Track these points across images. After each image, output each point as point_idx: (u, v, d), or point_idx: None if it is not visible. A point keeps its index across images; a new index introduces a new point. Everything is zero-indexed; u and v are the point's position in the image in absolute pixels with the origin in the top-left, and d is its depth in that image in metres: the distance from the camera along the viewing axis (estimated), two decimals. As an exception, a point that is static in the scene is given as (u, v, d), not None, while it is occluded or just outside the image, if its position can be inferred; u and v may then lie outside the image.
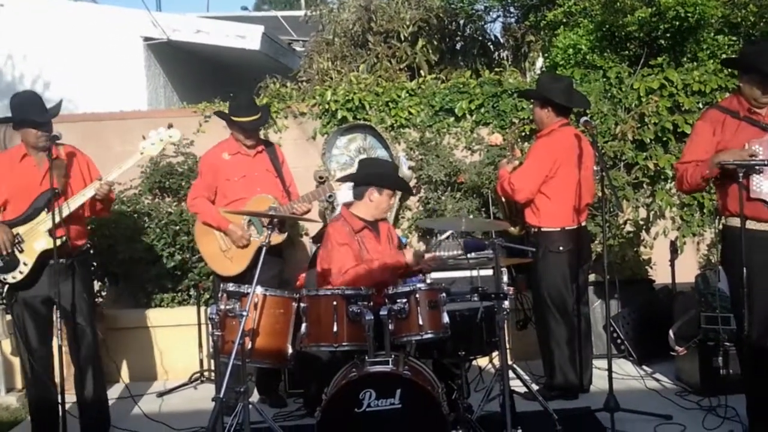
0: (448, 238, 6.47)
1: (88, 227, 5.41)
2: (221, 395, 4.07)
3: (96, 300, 6.42)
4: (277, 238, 5.32)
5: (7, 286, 4.87)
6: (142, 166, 7.02)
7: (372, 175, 4.99)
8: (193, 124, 7.02)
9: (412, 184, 7.18)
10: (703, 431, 4.66)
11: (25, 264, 4.80)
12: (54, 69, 9.33)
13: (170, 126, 5.25)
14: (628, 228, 7.15)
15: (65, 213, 4.76)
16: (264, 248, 4.34)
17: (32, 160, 4.88)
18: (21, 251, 4.80)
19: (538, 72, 9.23)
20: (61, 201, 4.78)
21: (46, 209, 4.77)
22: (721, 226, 6.58)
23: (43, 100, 4.94)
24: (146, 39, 9.71)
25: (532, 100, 5.93)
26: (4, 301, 5.14)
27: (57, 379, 4.80)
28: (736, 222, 4.36)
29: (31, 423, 5.08)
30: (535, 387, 5.35)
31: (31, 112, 4.84)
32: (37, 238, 4.78)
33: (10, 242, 4.77)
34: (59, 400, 4.67)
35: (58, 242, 4.68)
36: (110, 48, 9.50)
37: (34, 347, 4.90)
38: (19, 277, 4.81)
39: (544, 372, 5.59)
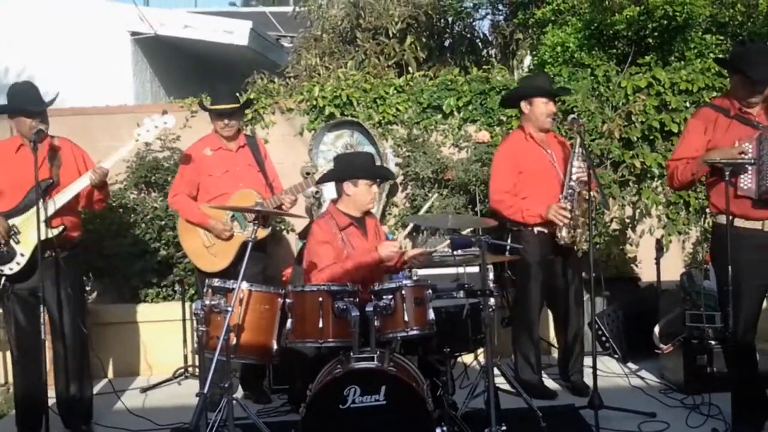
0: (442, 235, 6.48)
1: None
2: (205, 391, 4.04)
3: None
4: (262, 233, 5.27)
5: (3, 278, 4.81)
6: (128, 161, 6.98)
7: (344, 170, 4.92)
8: (180, 119, 6.97)
9: (399, 180, 7.20)
10: (686, 429, 4.68)
11: (22, 255, 4.76)
12: (40, 63, 9.24)
13: (165, 112, 5.21)
14: (614, 226, 7.17)
15: (61, 203, 4.76)
16: (250, 243, 4.31)
17: (28, 151, 4.80)
18: (17, 242, 4.76)
19: (527, 70, 9.24)
20: (57, 191, 4.78)
21: (42, 199, 4.74)
22: (708, 225, 6.60)
23: (39, 91, 4.92)
24: (133, 33, 9.66)
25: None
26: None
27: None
28: (724, 220, 4.38)
29: (15, 416, 5.03)
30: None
31: (26, 101, 4.84)
32: (34, 229, 4.70)
33: (6, 233, 4.74)
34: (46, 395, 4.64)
35: (56, 232, 4.70)
36: (97, 42, 9.44)
37: (25, 341, 4.86)
38: (16, 268, 4.77)
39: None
